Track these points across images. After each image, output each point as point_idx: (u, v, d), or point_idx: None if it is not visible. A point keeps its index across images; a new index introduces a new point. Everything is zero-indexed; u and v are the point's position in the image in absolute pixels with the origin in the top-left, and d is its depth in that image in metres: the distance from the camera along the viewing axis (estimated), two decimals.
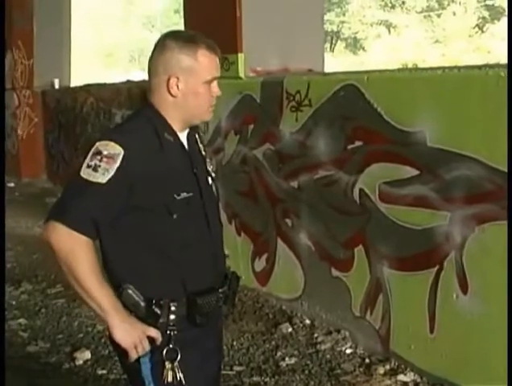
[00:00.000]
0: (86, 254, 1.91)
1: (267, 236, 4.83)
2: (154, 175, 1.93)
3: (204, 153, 2.18)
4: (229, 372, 3.78)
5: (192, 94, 1.99)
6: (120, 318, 1.94)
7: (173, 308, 2.00)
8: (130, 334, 1.94)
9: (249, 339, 4.22)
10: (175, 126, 2.03)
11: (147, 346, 1.98)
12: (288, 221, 4.61)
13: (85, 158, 1.92)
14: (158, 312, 1.98)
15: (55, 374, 3.82)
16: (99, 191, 1.88)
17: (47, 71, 9.93)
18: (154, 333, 1.98)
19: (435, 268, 3.47)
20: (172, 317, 2.00)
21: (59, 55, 10.21)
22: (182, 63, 1.97)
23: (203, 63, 1.97)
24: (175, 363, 1.99)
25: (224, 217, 5.12)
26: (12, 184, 9.95)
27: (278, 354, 4.00)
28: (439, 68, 3.56)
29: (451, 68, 3.49)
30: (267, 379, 3.71)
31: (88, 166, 1.89)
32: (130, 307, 1.99)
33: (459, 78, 3.35)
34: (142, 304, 1.99)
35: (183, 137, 2.07)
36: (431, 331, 3.54)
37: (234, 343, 4.15)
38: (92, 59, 29.43)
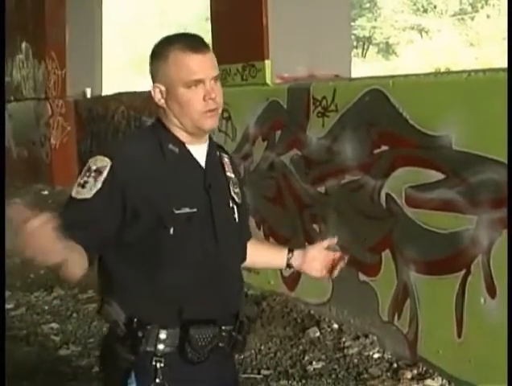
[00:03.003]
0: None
1: (295, 241, 4.84)
2: (150, 186, 1.78)
3: (230, 174, 1.98)
4: (257, 376, 3.81)
5: (174, 102, 1.82)
6: None
7: (163, 336, 1.79)
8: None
9: (277, 344, 4.24)
10: (182, 137, 1.87)
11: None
12: (316, 226, 4.62)
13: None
14: (140, 335, 1.77)
15: (86, 377, 3.88)
16: (84, 207, 1.75)
17: (80, 80, 10.05)
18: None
19: (463, 272, 3.46)
20: (161, 347, 1.79)
21: (92, 64, 10.34)
22: (157, 70, 1.85)
23: (174, 64, 1.80)
24: None
25: (252, 222, 5.18)
26: (46, 192, 10.09)
27: (306, 358, 4.01)
28: (463, 72, 3.56)
29: (476, 72, 3.48)
30: (294, 383, 3.72)
31: (79, 185, 1.78)
32: (110, 326, 1.84)
33: (484, 81, 3.34)
34: (123, 321, 1.79)
35: (197, 150, 1.89)
36: (459, 336, 3.52)
37: (262, 348, 4.17)
38: (124, 67, 29.74)
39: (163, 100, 1.84)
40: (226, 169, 1.98)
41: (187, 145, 1.88)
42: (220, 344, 1.85)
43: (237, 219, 1.96)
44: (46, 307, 5.12)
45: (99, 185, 1.75)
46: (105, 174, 1.76)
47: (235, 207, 1.95)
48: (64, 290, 5.46)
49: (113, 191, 1.76)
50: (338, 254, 2.10)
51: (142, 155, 1.82)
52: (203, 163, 1.89)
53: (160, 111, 1.88)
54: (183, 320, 1.79)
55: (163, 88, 1.83)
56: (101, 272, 1.88)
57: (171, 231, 1.79)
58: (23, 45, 11.03)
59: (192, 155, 1.88)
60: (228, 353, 1.93)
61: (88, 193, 1.75)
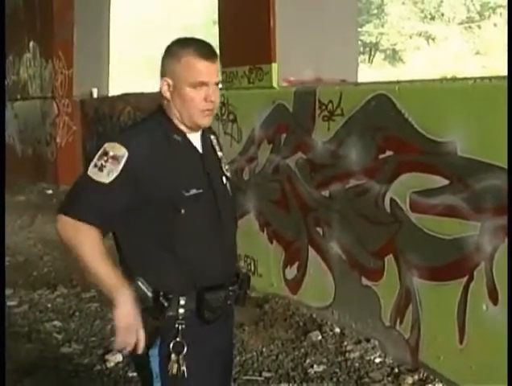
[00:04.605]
0: (89, 239, 2.00)
1: (299, 245, 4.86)
2: (162, 173, 2.03)
3: (220, 154, 2.27)
4: (258, 378, 3.82)
5: (178, 97, 2.07)
6: (127, 298, 1.97)
7: (182, 302, 2.05)
8: (131, 317, 1.97)
9: (279, 346, 4.24)
10: (182, 127, 2.12)
11: (141, 342, 1.98)
12: (319, 230, 4.63)
13: (94, 157, 2.05)
14: (165, 304, 2.03)
15: (87, 375, 3.90)
16: (102, 190, 1.99)
17: (87, 80, 10.09)
18: (142, 336, 1.98)
19: (465, 279, 3.46)
20: (181, 311, 2.05)
21: (99, 64, 10.38)
22: (169, 66, 2.08)
23: (185, 65, 2.04)
24: (180, 356, 2.03)
25: (256, 225, 5.21)
26: (50, 191, 10.13)
27: (307, 361, 4.02)
28: (469, 79, 3.56)
29: (481, 79, 3.49)
30: None
31: (95, 166, 2.02)
32: (138, 298, 2.05)
33: (489, 88, 3.35)
34: (150, 295, 2.04)
35: (194, 138, 2.16)
36: (461, 342, 3.52)
37: (264, 350, 4.18)
38: (132, 68, 29.80)
39: (168, 93, 2.09)
40: (217, 149, 2.27)
41: (187, 135, 2.14)
42: (229, 302, 2.16)
43: (230, 193, 2.24)
44: (49, 305, 5.13)
45: (116, 173, 1.99)
46: (122, 163, 1.99)
47: (227, 183, 2.23)
48: (66, 289, 5.48)
49: (128, 180, 1.99)
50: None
51: (154, 145, 2.06)
52: (200, 149, 2.17)
53: (164, 102, 2.13)
54: (198, 287, 2.07)
55: (170, 83, 2.08)
56: (121, 255, 2.13)
57: (183, 211, 2.04)
58: (31, 44, 11.08)
59: (191, 143, 2.15)
60: (230, 312, 2.24)
61: (105, 178, 1.99)
